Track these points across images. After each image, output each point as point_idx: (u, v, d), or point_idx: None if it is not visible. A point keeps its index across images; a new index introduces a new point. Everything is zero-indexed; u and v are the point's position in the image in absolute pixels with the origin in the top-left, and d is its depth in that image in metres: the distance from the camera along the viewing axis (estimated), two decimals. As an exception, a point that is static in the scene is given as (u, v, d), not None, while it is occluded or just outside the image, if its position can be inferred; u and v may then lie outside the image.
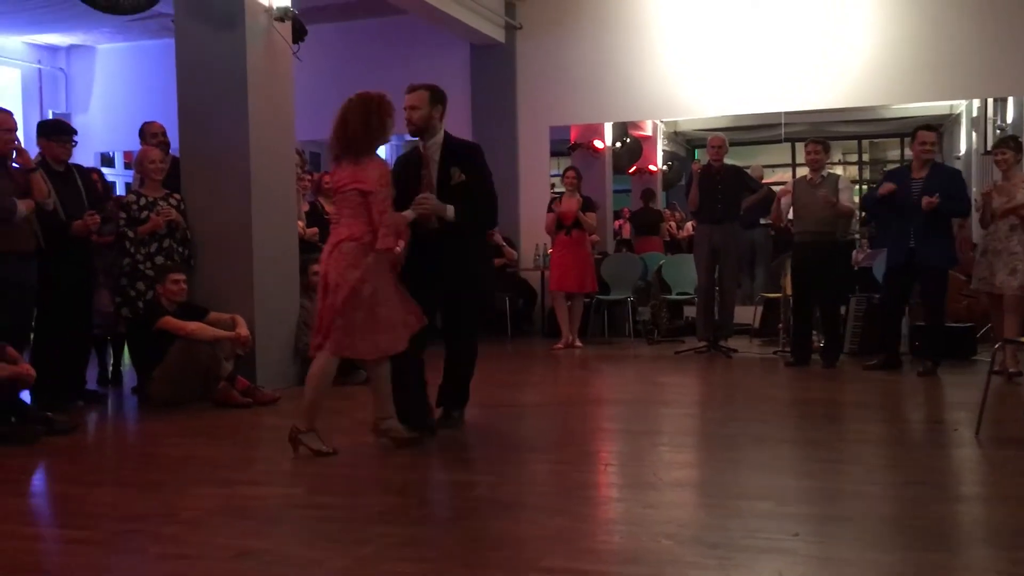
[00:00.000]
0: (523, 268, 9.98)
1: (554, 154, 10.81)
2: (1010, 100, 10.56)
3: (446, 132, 4.92)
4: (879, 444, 4.80)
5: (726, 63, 9.29)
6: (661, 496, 3.78)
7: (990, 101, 11.05)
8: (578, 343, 8.76)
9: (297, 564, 3.03)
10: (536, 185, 10.28)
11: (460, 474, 4.27)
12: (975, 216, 7.80)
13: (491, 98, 10.19)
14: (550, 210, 8.78)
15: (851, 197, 7.50)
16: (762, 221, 9.92)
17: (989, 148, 10.52)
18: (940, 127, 14.14)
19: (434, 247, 4.77)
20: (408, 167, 4.94)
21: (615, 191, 12.51)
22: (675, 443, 4.91)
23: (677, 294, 9.56)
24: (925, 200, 6.57)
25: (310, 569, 2.98)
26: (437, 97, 4.85)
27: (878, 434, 5.11)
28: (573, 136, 11.31)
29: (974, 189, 10.07)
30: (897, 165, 11.89)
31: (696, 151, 16.40)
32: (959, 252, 7.90)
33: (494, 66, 10.21)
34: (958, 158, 13.37)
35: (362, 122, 4.49)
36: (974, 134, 12.25)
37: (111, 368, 7.18)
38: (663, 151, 14.54)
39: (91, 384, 6.54)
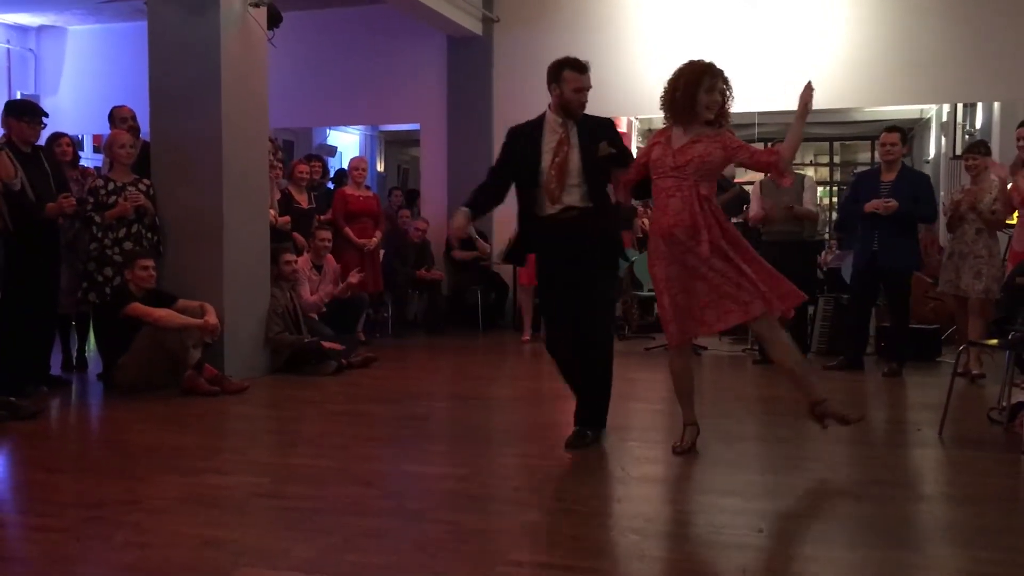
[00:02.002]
0: (495, 262, 9.97)
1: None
2: (979, 105, 10.72)
3: None
4: (844, 443, 4.84)
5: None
6: (629, 491, 3.80)
7: (960, 106, 11.20)
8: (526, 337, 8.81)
9: (263, 554, 3.02)
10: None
11: (429, 466, 4.26)
12: (942, 220, 7.90)
13: (467, 90, 10.16)
14: None
15: (815, 198, 7.56)
16: (732, 220, 9.97)
17: (958, 152, 10.67)
18: (911, 130, 14.32)
19: (568, 230, 4.39)
20: (522, 140, 4.61)
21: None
22: (644, 438, 4.93)
23: (648, 291, 9.60)
24: (882, 205, 6.64)
25: (276, 559, 2.97)
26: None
27: (843, 433, 5.15)
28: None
29: (942, 193, 10.20)
30: (867, 167, 12.03)
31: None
32: (925, 255, 8.01)
33: (471, 58, 10.19)
34: (927, 162, 13.54)
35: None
36: (943, 138, 12.40)
37: (76, 354, 7.10)
38: (637, 148, 14.60)
39: (55, 370, 6.46)
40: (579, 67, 4.51)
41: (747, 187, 10.02)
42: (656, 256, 4.29)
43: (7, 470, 4.41)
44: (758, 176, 8.37)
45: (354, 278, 7.62)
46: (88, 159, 11.02)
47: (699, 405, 4.55)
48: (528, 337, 8.74)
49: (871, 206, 6.71)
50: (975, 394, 6.06)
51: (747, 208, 8.16)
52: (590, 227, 4.41)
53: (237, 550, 3.04)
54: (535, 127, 4.59)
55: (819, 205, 7.93)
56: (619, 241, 4.80)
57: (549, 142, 4.47)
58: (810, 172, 14.59)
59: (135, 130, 6.91)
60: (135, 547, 3.06)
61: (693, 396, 4.46)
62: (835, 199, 15.76)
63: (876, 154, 9.58)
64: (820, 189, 14.37)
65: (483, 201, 4.73)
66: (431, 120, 10.45)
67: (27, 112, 5.91)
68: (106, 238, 6.19)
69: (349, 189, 8.68)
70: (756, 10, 9.43)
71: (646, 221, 12.13)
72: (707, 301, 4.20)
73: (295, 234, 7.75)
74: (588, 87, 4.51)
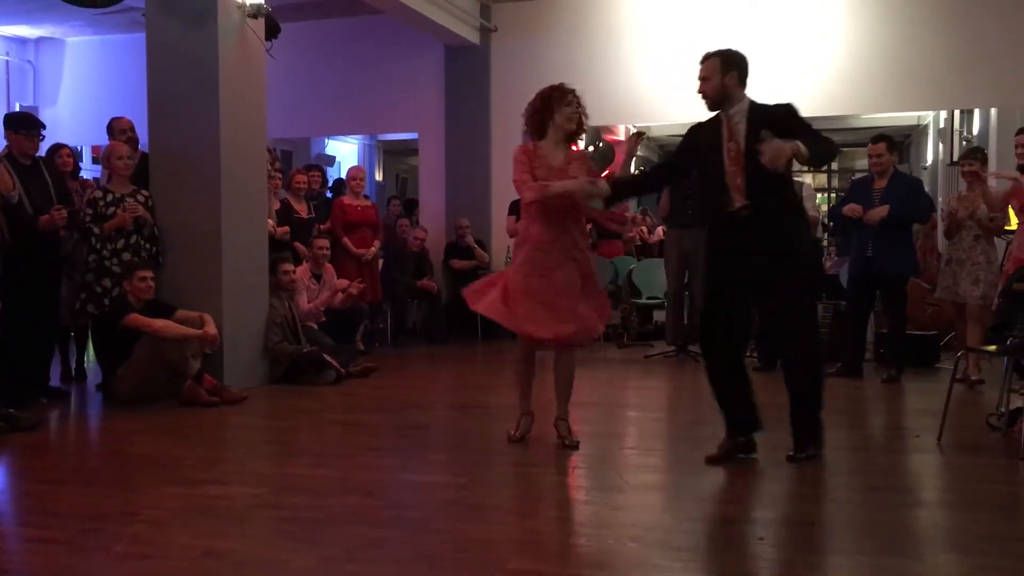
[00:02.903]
0: (495, 270, 9.98)
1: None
2: (976, 112, 10.74)
3: (750, 98, 4.36)
4: (844, 449, 4.85)
5: (698, 70, 9.34)
6: (628, 499, 3.80)
7: (956, 113, 11.23)
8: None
9: (263, 564, 3.02)
10: (509, 187, 10.21)
11: (429, 475, 4.26)
12: (940, 227, 7.92)
13: (465, 99, 10.19)
14: (511, 212, 8.77)
15: (814, 205, 7.57)
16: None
17: (955, 159, 10.69)
18: (908, 137, 14.35)
19: (746, 228, 4.20)
20: (700, 138, 4.43)
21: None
22: (643, 447, 4.93)
23: (647, 298, 9.61)
24: (867, 214, 6.68)
25: (276, 570, 2.97)
26: (730, 63, 4.33)
27: (843, 439, 5.16)
28: (546, 139, 11.30)
29: (940, 199, 10.22)
30: (865, 173, 12.05)
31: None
32: (923, 261, 8.02)
33: (468, 67, 10.22)
34: (925, 168, 13.58)
35: None
36: (941, 145, 12.44)
37: (75, 365, 7.10)
38: (635, 156, 14.60)
39: (54, 381, 6.45)
40: None
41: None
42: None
43: (6, 482, 4.40)
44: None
45: (353, 288, 7.62)
46: (87, 170, 11.03)
47: (698, 411, 4.55)
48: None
49: (848, 209, 6.77)
50: (974, 400, 6.06)
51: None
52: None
53: (237, 561, 3.04)
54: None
55: (818, 210, 7.93)
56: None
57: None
58: (808, 179, 14.62)
59: (134, 141, 6.92)
60: (135, 558, 3.06)
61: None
62: (833, 205, 15.80)
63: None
64: (818, 196, 14.37)
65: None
66: (429, 129, 10.48)
67: (25, 125, 5.92)
68: (105, 249, 6.19)
69: (348, 199, 8.69)
70: (753, 18, 9.46)
71: (644, 229, 12.17)
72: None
73: (296, 243, 7.76)
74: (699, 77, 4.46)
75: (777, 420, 5.01)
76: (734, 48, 4.42)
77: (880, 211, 6.67)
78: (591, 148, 11.79)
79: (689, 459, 4.53)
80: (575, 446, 4.59)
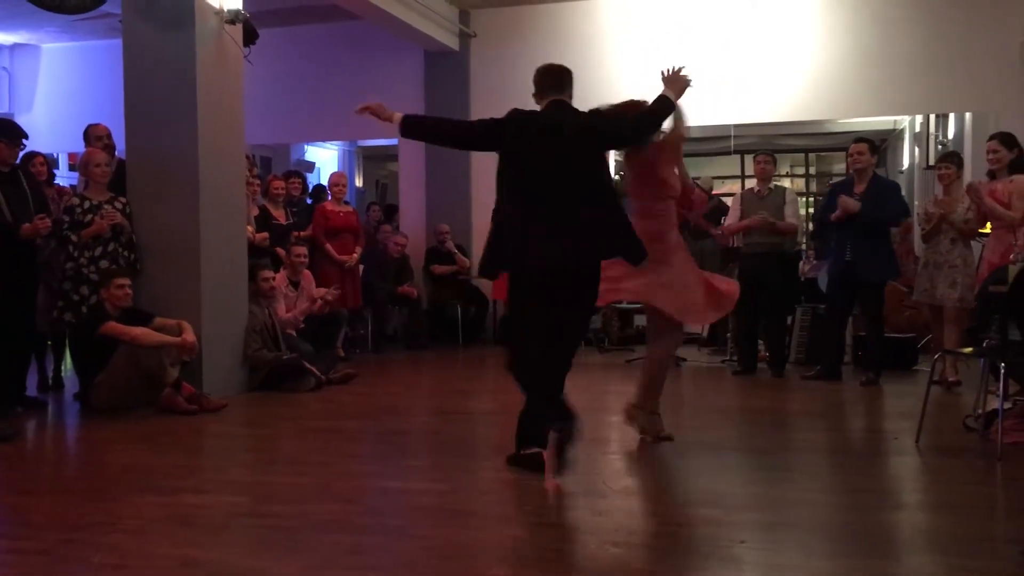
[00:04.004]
0: (474, 276, 9.97)
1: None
2: (951, 116, 10.84)
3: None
4: (823, 452, 4.88)
5: None
6: (610, 504, 3.80)
7: (932, 117, 11.32)
8: None
9: (242, 573, 2.99)
10: (489, 194, 10.20)
11: (410, 482, 4.25)
12: (917, 230, 7.98)
13: (445, 105, 10.15)
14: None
15: (796, 211, 7.62)
16: (711, 231, 10.03)
17: (931, 163, 10.78)
18: (884, 142, 14.46)
19: None
20: None
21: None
22: (624, 451, 4.94)
23: (628, 303, 9.62)
24: (841, 200, 6.71)
25: (256, 578, 2.95)
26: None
27: (822, 442, 5.19)
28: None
29: (916, 203, 10.30)
30: (842, 177, 12.13)
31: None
32: (901, 264, 8.07)
33: (448, 73, 10.22)
34: (901, 172, 13.68)
35: None
36: (917, 149, 12.53)
37: (52, 374, 7.03)
38: (615, 161, 14.63)
39: (31, 390, 6.39)
40: None
41: (725, 199, 10.11)
42: None
43: (-18, 493, 4.36)
44: (736, 188, 8.43)
45: (330, 295, 7.58)
46: (63, 177, 10.94)
47: (679, 416, 4.56)
48: None
49: (842, 203, 6.80)
50: (951, 402, 6.11)
51: (724, 220, 8.22)
52: None
53: (216, 570, 3.01)
54: None
55: (799, 217, 7.96)
56: None
57: None
58: (787, 183, 14.70)
59: (111, 148, 6.87)
60: (112, 569, 3.03)
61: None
62: (811, 210, 15.88)
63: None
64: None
65: None
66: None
67: (7, 133, 5.85)
68: (82, 257, 6.14)
69: (330, 205, 8.66)
70: (730, 25, 9.52)
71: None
72: None
73: (277, 249, 7.72)
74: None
75: (757, 424, 5.05)
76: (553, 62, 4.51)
77: (853, 204, 6.70)
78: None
79: (671, 463, 4.55)
80: (670, 438, 4.82)
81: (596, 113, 4.46)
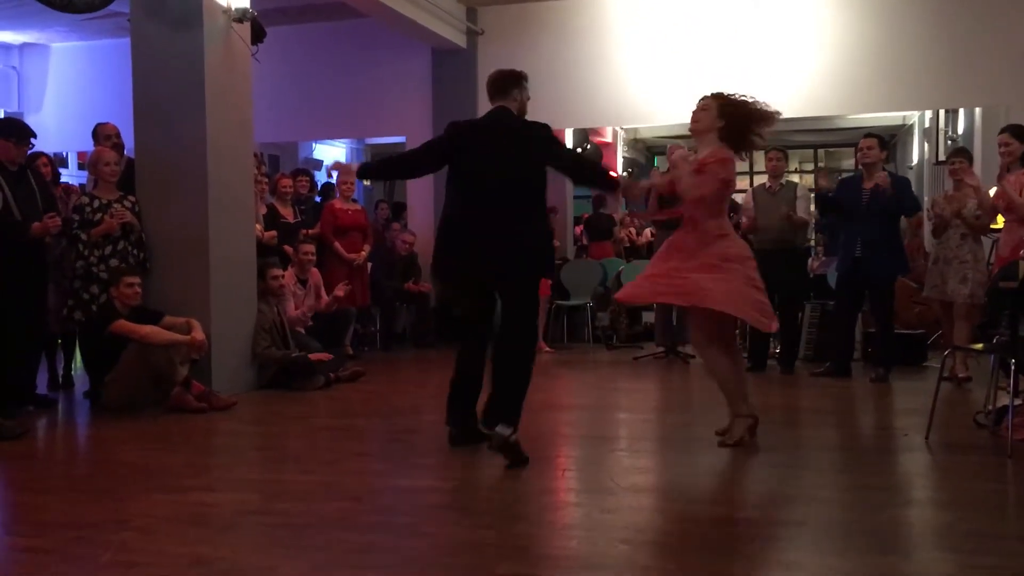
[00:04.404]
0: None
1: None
2: (961, 111, 10.80)
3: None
4: (833, 449, 4.87)
5: (685, 72, 9.37)
6: (619, 501, 3.80)
7: (942, 112, 11.28)
8: (547, 348, 8.76)
9: (252, 571, 3.00)
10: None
11: (418, 480, 4.25)
12: (927, 226, 7.94)
13: (452, 103, 10.15)
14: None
15: (808, 207, 7.60)
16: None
17: (941, 158, 10.74)
18: (894, 137, 14.42)
19: None
20: None
21: (575, 197, 12.55)
22: (633, 448, 4.93)
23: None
24: (883, 178, 6.70)
25: (265, 576, 2.95)
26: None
27: (832, 439, 5.18)
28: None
29: (926, 198, 10.26)
30: (852, 173, 12.10)
31: (656, 158, 16.55)
32: (911, 260, 8.05)
33: (455, 71, 10.20)
34: (911, 168, 13.64)
35: None
36: (926, 144, 12.50)
37: (62, 372, 7.06)
38: (623, 157, 14.63)
39: (41, 389, 6.42)
40: None
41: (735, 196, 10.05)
42: None
43: (-7, 491, 4.38)
44: (744, 184, 8.40)
45: (340, 291, 7.59)
46: (72, 176, 11.00)
47: (689, 413, 4.55)
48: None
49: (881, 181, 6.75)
50: (961, 398, 6.08)
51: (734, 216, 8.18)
52: None
53: (226, 568, 3.02)
54: None
55: (811, 212, 7.94)
56: None
57: None
58: (796, 179, 14.68)
59: (119, 147, 6.89)
60: (122, 567, 3.04)
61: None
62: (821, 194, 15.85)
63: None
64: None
65: None
66: (416, 133, 10.43)
67: (14, 132, 5.86)
68: (92, 256, 6.16)
69: (338, 203, 8.67)
70: (738, 20, 9.48)
71: (633, 231, 12.18)
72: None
73: (286, 247, 7.73)
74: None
75: (767, 422, 5.04)
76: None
77: (885, 179, 6.68)
78: (579, 150, 11.80)
79: (679, 460, 4.54)
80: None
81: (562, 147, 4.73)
